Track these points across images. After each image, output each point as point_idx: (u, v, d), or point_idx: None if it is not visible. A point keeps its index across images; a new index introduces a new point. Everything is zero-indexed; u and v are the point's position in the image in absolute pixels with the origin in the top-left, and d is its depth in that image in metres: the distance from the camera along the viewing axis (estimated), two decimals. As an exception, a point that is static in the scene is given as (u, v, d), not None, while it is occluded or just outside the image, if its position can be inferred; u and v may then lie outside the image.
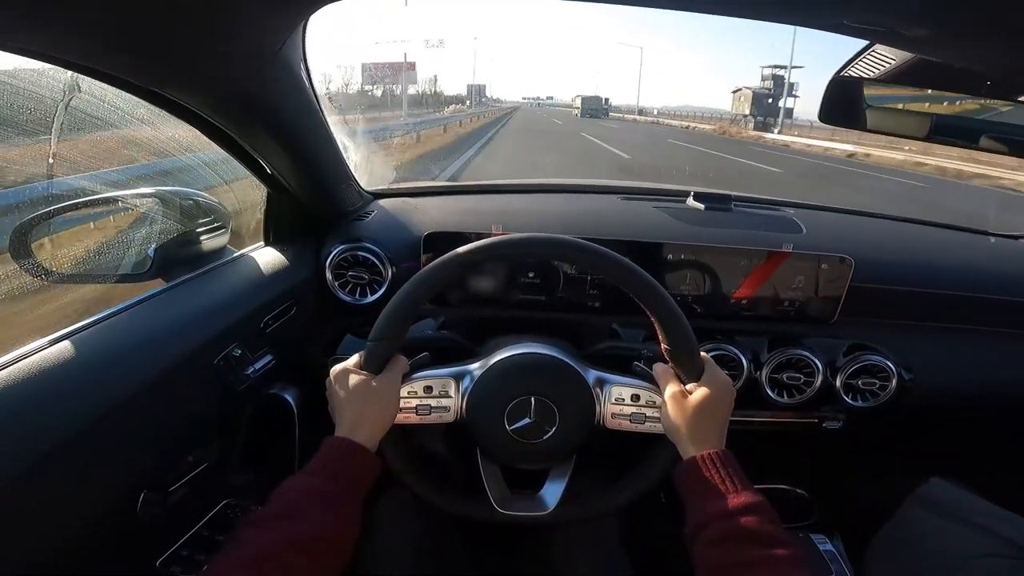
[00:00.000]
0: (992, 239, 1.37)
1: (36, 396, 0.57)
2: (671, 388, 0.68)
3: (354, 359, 0.70)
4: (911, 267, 1.18)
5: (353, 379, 0.67)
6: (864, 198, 8.88)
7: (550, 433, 0.72)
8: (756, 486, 0.61)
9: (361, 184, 1.19)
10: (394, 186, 1.33)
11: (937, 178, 13.48)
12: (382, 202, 1.22)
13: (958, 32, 0.60)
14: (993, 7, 0.53)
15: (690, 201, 1.26)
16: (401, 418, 0.70)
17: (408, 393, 0.71)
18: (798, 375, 1.07)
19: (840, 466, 1.37)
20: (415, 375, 0.72)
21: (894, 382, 1.07)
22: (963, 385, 1.17)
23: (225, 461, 0.91)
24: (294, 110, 0.83)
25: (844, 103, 0.81)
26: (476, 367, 0.75)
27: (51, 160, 0.82)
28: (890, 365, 1.06)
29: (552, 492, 0.75)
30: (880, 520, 1.01)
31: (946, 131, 0.82)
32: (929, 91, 0.85)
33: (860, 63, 0.80)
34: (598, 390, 0.73)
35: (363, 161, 1.21)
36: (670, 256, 1.06)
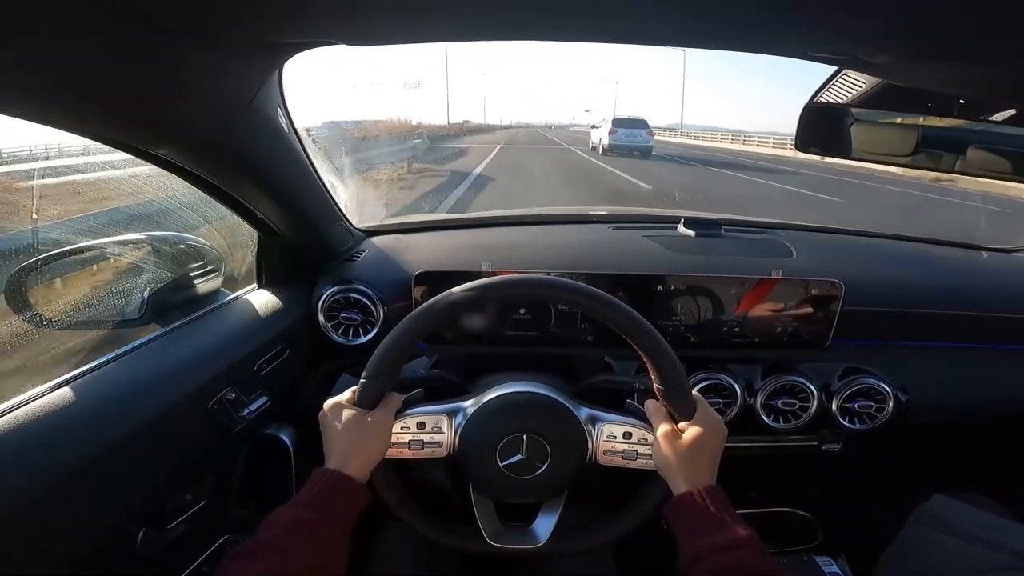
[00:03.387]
0: (984, 254, 1.37)
1: (36, 440, 0.59)
2: (663, 427, 0.69)
3: (347, 394, 0.70)
4: (903, 287, 1.17)
5: (346, 413, 0.67)
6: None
7: (542, 469, 0.72)
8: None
9: (352, 223, 1.21)
10: (386, 223, 1.34)
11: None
12: (374, 240, 1.24)
13: (919, 56, 0.61)
14: (949, 32, 0.54)
15: (680, 228, 1.26)
16: (393, 452, 0.70)
17: (401, 428, 0.71)
18: (793, 401, 1.06)
19: (842, 487, 1.35)
20: (408, 411, 0.72)
21: (891, 404, 1.06)
22: (961, 402, 1.16)
23: (224, 499, 0.91)
24: (274, 156, 0.84)
25: (820, 130, 0.83)
26: (469, 404, 0.75)
27: (34, 213, 0.84)
28: (886, 388, 1.06)
29: (544, 525, 0.75)
30: (885, 539, 1.00)
31: (931, 152, 0.83)
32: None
33: (832, 88, 0.81)
34: (590, 427, 0.73)
35: (352, 200, 1.22)
36: (660, 287, 1.06)
